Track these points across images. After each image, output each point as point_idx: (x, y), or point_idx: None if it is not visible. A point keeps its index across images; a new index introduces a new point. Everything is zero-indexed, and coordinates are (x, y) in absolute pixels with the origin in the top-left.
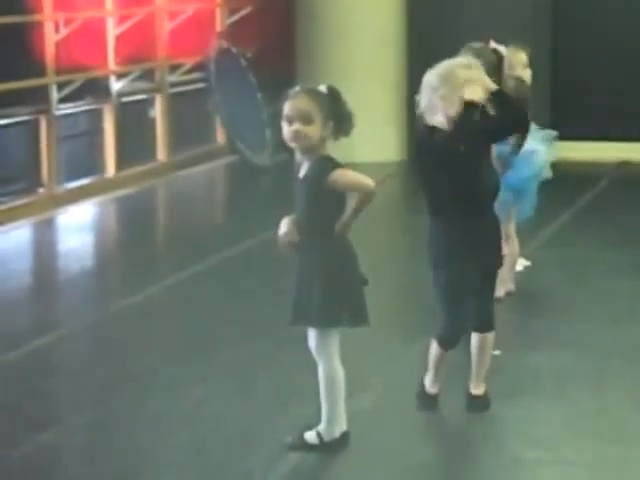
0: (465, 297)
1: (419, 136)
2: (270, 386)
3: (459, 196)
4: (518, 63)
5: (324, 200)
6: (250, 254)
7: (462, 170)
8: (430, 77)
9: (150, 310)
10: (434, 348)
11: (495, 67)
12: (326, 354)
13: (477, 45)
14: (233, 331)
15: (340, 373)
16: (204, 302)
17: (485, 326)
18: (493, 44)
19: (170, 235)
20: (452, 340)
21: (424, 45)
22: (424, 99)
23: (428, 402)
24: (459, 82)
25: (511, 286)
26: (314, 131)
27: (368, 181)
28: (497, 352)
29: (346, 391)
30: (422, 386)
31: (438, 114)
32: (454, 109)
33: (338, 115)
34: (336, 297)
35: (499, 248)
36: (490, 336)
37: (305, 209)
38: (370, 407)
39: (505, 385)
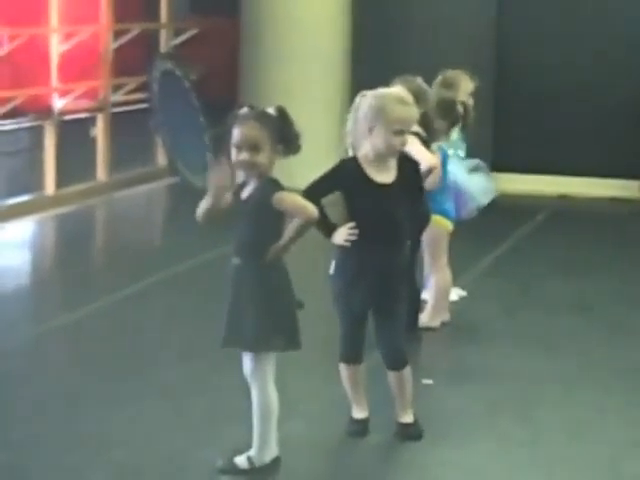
0: (360, 321)
1: (340, 163)
2: (203, 408)
3: (376, 229)
4: (463, 90)
5: (265, 223)
6: (188, 276)
7: (375, 203)
8: (363, 105)
9: (85, 330)
10: (342, 370)
11: (422, 94)
12: (260, 379)
13: (408, 77)
14: (168, 352)
15: (274, 398)
16: (140, 323)
17: (397, 364)
18: (420, 81)
19: (108, 255)
20: (352, 354)
21: (368, 70)
22: (351, 120)
23: (356, 428)
24: (391, 118)
25: (446, 316)
26: (263, 159)
27: (310, 207)
28: (429, 381)
29: (278, 416)
30: (351, 415)
31: (364, 143)
32: (381, 143)
33: (287, 137)
34: (271, 321)
35: (398, 284)
36: (405, 372)
37: (245, 230)
38: (302, 432)
39: (436, 415)
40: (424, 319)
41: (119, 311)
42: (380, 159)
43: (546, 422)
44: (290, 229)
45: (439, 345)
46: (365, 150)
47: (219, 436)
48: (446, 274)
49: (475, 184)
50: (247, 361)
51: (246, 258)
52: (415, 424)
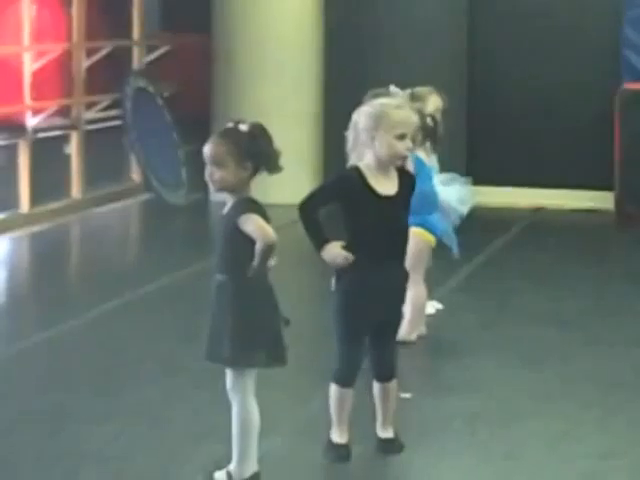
0: (362, 340)
1: (342, 173)
2: (184, 424)
3: (378, 241)
4: (433, 105)
5: (236, 241)
6: (163, 292)
7: (384, 214)
8: (361, 116)
9: (62, 347)
10: (333, 391)
11: None
12: (240, 394)
13: (379, 90)
14: (147, 369)
15: (254, 414)
16: (117, 340)
17: (386, 376)
18: (393, 88)
19: (83, 272)
20: (349, 377)
21: (342, 86)
22: (352, 137)
23: (338, 453)
24: (392, 122)
25: (423, 329)
26: (227, 175)
27: (268, 232)
28: (407, 395)
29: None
30: (329, 438)
31: (367, 154)
32: (385, 150)
33: (258, 154)
34: (248, 337)
35: (402, 299)
36: (392, 385)
37: (221, 247)
38: (282, 448)
39: (415, 429)
40: (401, 333)
41: (96, 328)
42: (384, 168)
43: (525, 435)
44: (256, 252)
45: (416, 359)
46: (368, 160)
47: (200, 452)
48: (422, 287)
49: (453, 194)
50: (228, 376)
51: (226, 274)
52: (396, 439)
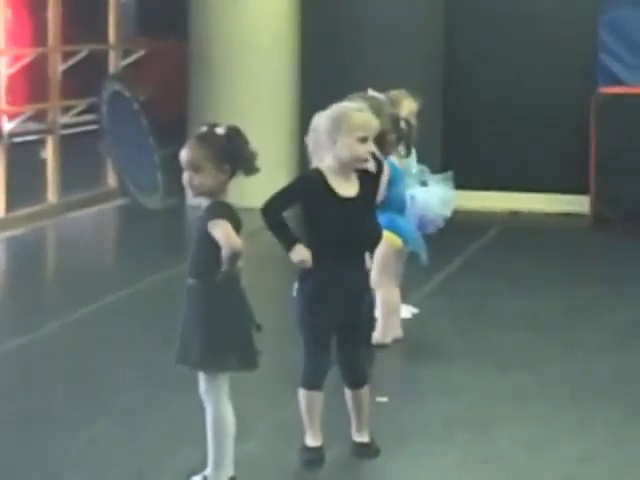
0: (326, 342)
1: (304, 175)
2: (159, 429)
3: (341, 243)
4: (407, 109)
5: (204, 246)
6: (139, 297)
7: (345, 216)
8: (322, 120)
9: (38, 353)
10: (302, 395)
11: (376, 113)
12: (213, 398)
13: (357, 94)
14: (121, 373)
15: (228, 418)
16: (92, 344)
17: (357, 382)
18: (371, 92)
19: (59, 277)
20: (316, 380)
21: (317, 90)
22: (312, 141)
23: (312, 456)
24: (353, 126)
25: (399, 333)
26: (206, 179)
27: (233, 240)
28: (384, 399)
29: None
30: (303, 442)
31: (327, 157)
32: (346, 153)
33: (235, 157)
34: (217, 341)
35: (362, 300)
36: (364, 391)
37: (193, 251)
38: (257, 452)
39: (392, 433)
40: (376, 336)
41: (71, 334)
42: (345, 171)
43: (502, 438)
44: (222, 258)
45: (393, 362)
46: (328, 163)
47: (176, 458)
48: (392, 290)
49: (434, 197)
50: (201, 380)
51: (196, 278)
52: (371, 444)
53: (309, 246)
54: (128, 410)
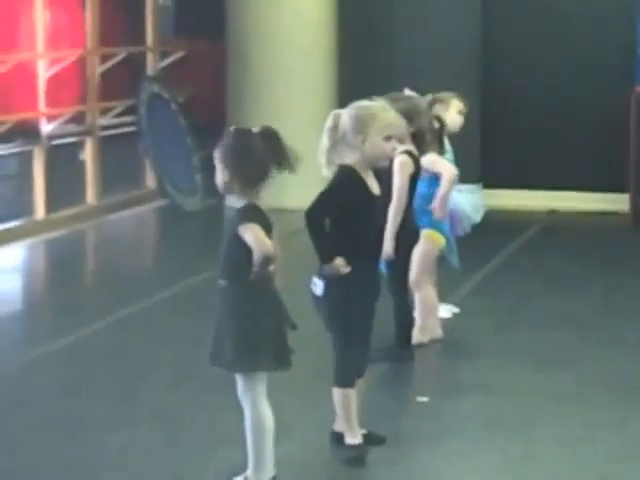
0: (369, 340)
1: (345, 174)
2: (197, 431)
3: (371, 241)
4: (454, 109)
5: (235, 248)
6: (179, 298)
7: (375, 214)
8: (345, 119)
9: (77, 354)
10: (341, 394)
11: (415, 112)
12: (250, 398)
13: (394, 94)
14: (161, 376)
15: (267, 418)
16: (132, 347)
17: (364, 372)
18: (408, 92)
19: (99, 279)
20: (354, 378)
21: (355, 90)
22: (330, 139)
23: (356, 454)
24: (382, 125)
25: (439, 332)
26: (219, 179)
27: (263, 244)
28: (424, 399)
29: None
30: (344, 442)
31: (352, 155)
32: (374, 151)
33: (271, 155)
34: (249, 342)
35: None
36: (361, 381)
37: (223, 252)
38: (296, 453)
39: (431, 432)
40: (415, 336)
41: (111, 335)
42: (367, 168)
43: (542, 438)
44: (254, 262)
45: (433, 362)
46: (351, 160)
47: (215, 459)
48: (430, 290)
49: (467, 201)
50: (238, 381)
51: (227, 279)
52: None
53: (345, 245)
54: (166, 411)
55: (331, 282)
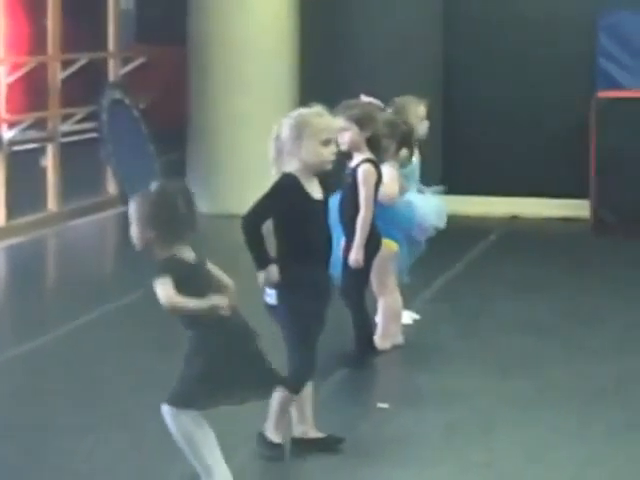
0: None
1: (282, 181)
2: (160, 435)
3: (320, 244)
4: (413, 114)
5: None
6: (139, 305)
7: (319, 219)
8: (284, 128)
9: (39, 361)
10: (282, 396)
11: (368, 118)
12: (172, 424)
13: (349, 101)
14: (122, 382)
15: (190, 429)
16: (95, 353)
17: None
18: (364, 97)
19: (60, 285)
20: (305, 383)
21: (318, 95)
22: (274, 149)
23: (277, 452)
24: (317, 129)
25: (400, 339)
26: (136, 234)
27: (164, 299)
28: (385, 405)
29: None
30: (264, 437)
31: (292, 162)
32: (312, 156)
33: (160, 219)
34: (196, 383)
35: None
36: (309, 385)
37: None
38: (253, 461)
39: (392, 439)
40: (377, 342)
41: (73, 342)
42: (310, 174)
43: (503, 443)
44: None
45: (394, 369)
46: (292, 168)
47: (179, 462)
48: (395, 296)
49: (430, 207)
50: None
51: (188, 329)
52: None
53: (293, 251)
54: (128, 419)
55: (284, 289)
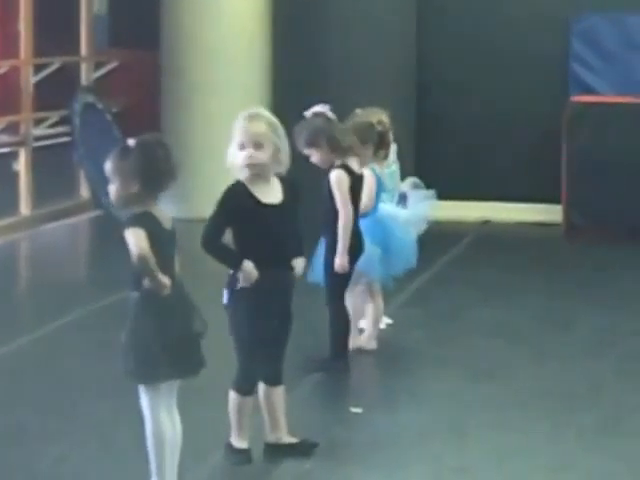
0: (260, 350)
1: (226, 190)
2: (132, 440)
3: (271, 248)
4: (373, 115)
5: (129, 254)
6: (112, 309)
7: (270, 223)
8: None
9: (12, 365)
10: (235, 399)
11: (322, 130)
12: (149, 409)
13: (297, 127)
14: (94, 385)
15: (166, 430)
16: (66, 356)
17: (278, 380)
18: (308, 113)
19: (33, 289)
20: (253, 384)
21: (289, 98)
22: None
23: (242, 457)
24: (236, 134)
25: (373, 344)
26: (113, 190)
27: (137, 247)
28: (358, 409)
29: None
30: (230, 444)
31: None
32: (237, 161)
33: (145, 171)
34: (146, 352)
35: (291, 301)
36: (281, 389)
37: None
38: (224, 466)
39: (365, 443)
40: (363, 342)
41: (45, 346)
42: (261, 178)
43: (476, 447)
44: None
45: (367, 373)
46: (243, 175)
47: (145, 470)
48: (379, 300)
49: (412, 211)
50: (140, 391)
51: (129, 289)
52: (304, 441)
53: (246, 256)
54: (101, 423)
55: (233, 291)
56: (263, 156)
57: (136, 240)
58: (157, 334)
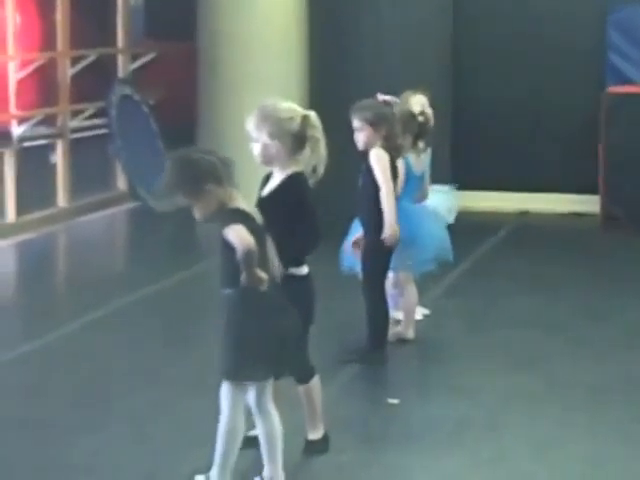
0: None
1: (298, 179)
2: (169, 433)
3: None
4: (416, 104)
5: (227, 253)
6: (151, 300)
7: (312, 217)
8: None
9: (50, 357)
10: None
11: (381, 118)
12: (229, 407)
13: (366, 101)
14: (134, 378)
15: (240, 429)
16: (105, 349)
17: (307, 376)
18: (380, 96)
19: (70, 281)
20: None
21: (326, 92)
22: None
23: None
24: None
25: (410, 334)
26: (197, 212)
27: (244, 241)
28: (395, 401)
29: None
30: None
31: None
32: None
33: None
34: (240, 351)
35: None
36: (313, 384)
37: (220, 261)
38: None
39: (401, 433)
40: (402, 331)
41: (84, 338)
42: (273, 171)
43: (512, 438)
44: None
45: (404, 364)
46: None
47: (187, 460)
48: (412, 292)
49: (440, 202)
50: (223, 384)
51: (225, 287)
52: (322, 440)
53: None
54: (136, 415)
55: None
56: (256, 150)
57: (240, 235)
58: (256, 333)
